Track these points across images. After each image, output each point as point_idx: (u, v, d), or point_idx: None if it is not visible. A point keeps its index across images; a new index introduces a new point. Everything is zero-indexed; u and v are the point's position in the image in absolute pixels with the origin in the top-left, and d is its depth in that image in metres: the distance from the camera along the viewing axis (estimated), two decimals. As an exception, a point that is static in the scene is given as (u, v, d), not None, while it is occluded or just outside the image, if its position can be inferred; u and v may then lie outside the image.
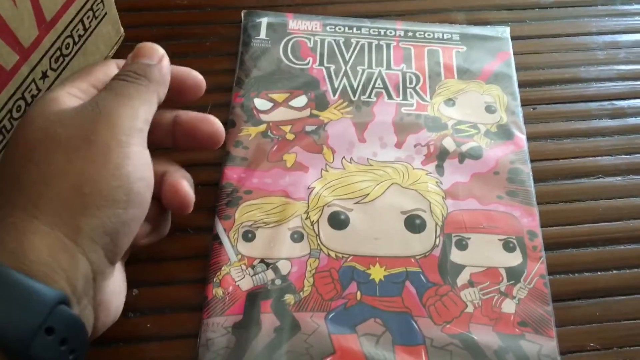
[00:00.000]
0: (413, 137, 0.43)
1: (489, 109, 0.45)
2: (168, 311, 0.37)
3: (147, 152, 0.32)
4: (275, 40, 0.48)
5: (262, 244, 0.39)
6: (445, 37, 0.48)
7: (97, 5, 0.42)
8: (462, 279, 0.38)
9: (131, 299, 0.36)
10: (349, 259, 0.38)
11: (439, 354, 0.35)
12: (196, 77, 0.37)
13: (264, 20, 0.49)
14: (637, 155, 0.44)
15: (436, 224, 0.40)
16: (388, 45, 0.48)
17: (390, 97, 0.45)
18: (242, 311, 0.36)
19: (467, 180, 0.41)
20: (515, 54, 0.48)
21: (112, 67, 0.35)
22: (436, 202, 0.40)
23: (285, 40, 0.48)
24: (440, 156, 0.42)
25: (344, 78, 0.46)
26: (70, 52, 0.41)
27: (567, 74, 0.48)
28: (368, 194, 0.41)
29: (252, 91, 0.45)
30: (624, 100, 0.47)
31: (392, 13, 0.50)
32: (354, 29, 0.48)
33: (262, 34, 0.48)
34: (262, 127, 0.43)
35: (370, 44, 0.48)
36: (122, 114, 0.31)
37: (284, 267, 0.38)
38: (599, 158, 0.44)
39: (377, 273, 0.38)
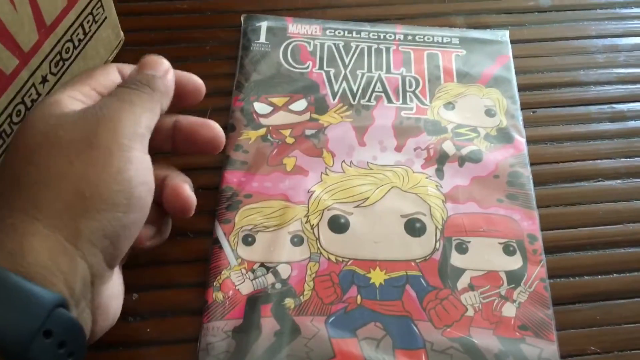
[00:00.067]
0: (413, 140, 0.43)
1: (489, 113, 0.45)
2: (168, 315, 0.37)
3: (148, 157, 0.32)
4: (275, 44, 0.48)
5: (262, 247, 0.39)
6: (444, 40, 0.48)
7: (97, 9, 0.42)
8: (463, 282, 0.38)
9: (131, 303, 0.36)
10: (349, 263, 0.38)
11: (439, 357, 0.35)
12: (196, 82, 0.37)
13: (264, 24, 0.49)
14: (636, 158, 0.44)
15: (436, 227, 0.40)
16: (388, 49, 0.48)
17: (390, 100, 0.45)
18: (242, 315, 0.36)
19: (467, 184, 0.41)
20: (514, 57, 0.48)
21: (113, 71, 0.35)
22: (436, 206, 0.40)
23: (285, 44, 0.48)
24: (440, 160, 0.42)
25: (344, 82, 0.46)
26: (70, 57, 0.41)
27: (567, 78, 0.48)
28: (368, 198, 0.41)
29: (252, 95, 0.45)
30: (623, 104, 0.47)
31: (391, 17, 0.51)
32: (354, 33, 0.49)
33: (262, 38, 0.48)
34: (262, 131, 0.43)
35: (369, 48, 0.48)
36: (124, 119, 0.31)
37: (284, 271, 0.38)
38: (599, 161, 0.44)
39: (378, 277, 0.38)
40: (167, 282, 0.38)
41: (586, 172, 0.43)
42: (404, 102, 0.45)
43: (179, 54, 0.47)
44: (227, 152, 0.42)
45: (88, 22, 0.42)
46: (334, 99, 0.45)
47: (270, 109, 0.44)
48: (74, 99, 0.32)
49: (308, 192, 0.41)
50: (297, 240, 0.39)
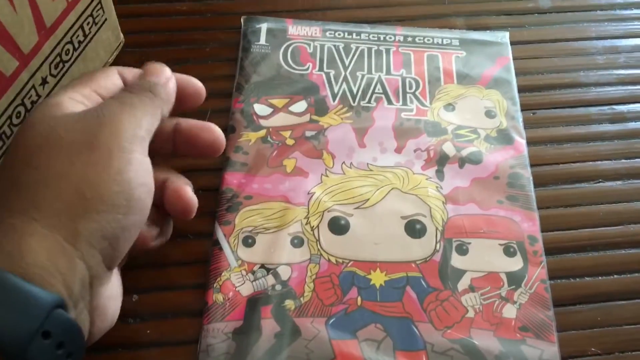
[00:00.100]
0: (413, 142, 0.43)
1: (489, 114, 0.45)
2: (168, 317, 0.37)
3: (148, 160, 0.32)
4: (275, 45, 0.48)
5: (262, 249, 0.39)
6: (444, 42, 0.48)
7: (97, 11, 0.42)
8: (463, 284, 0.38)
9: (131, 305, 0.36)
10: (349, 264, 0.38)
11: (440, 359, 0.35)
12: (196, 85, 0.37)
13: (264, 26, 0.49)
14: (637, 159, 0.44)
15: (436, 228, 0.40)
16: (388, 51, 0.48)
17: (390, 102, 0.45)
18: (242, 317, 0.36)
19: (467, 185, 0.41)
20: (514, 58, 0.48)
21: (114, 74, 0.35)
22: (436, 207, 0.40)
23: (285, 45, 0.48)
24: (440, 161, 0.42)
25: (344, 83, 0.46)
26: (70, 58, 0.41)
27: (567, 79, 0.48)
28: (368, 199, 0.40)
29: (252, 97, 0.45)
30: (623, 105, 0.47)
31: (391, 18, 0.51)
32: (354, 35, 0.49)
33: (262, 40, 0.48)
34: (262, 132, 0.43)
35: (369, 49, 0.48)
36: (125, 121, 0.31)
37: (284, 272, 0.38)
38: (599, 162, 0.44)
39: (378, 278, 0.38)
40: (167, 284, 0.38)
41: (586, 174, 0.43)
42: (404, 103, 0.45)
43: (179, 55, 0.47)
44: (227, 153, 0.42)
45: (88, 23, 0.42)
46: (334, 100, 0.45)
47: (270, 110, 0.44)
48: (75, 101, 0.32)
49: (308, 193, 0.41)
50: (297, 242, 0.39)
